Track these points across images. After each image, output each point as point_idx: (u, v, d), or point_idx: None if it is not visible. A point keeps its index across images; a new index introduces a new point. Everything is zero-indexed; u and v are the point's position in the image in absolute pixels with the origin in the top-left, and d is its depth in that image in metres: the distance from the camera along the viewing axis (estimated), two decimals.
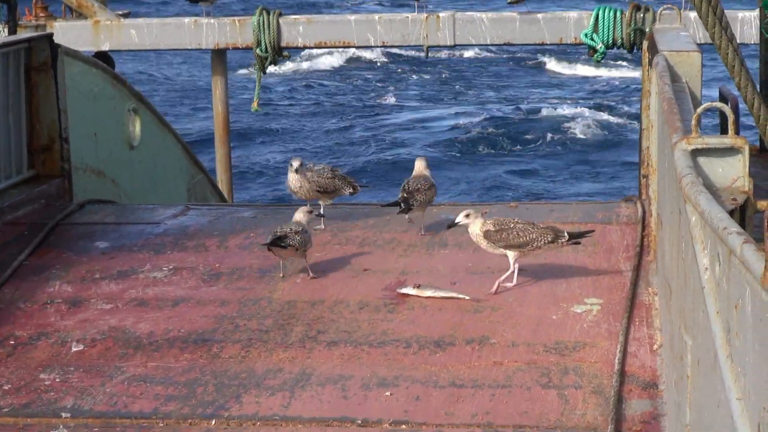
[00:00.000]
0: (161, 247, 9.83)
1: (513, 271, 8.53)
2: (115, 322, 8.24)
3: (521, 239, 8.47)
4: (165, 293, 8.78)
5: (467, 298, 8.36)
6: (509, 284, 8.56)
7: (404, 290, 8.52)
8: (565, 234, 8.58)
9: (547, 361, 7.36)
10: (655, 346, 7.52)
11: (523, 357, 7.44)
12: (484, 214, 8.72)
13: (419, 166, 9.92)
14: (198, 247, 9.81)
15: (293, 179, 9.85)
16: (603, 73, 38.67)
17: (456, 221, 8.60)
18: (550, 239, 8.52)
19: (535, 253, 8.57)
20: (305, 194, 9.88)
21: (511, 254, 8.50)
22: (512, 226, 8.50)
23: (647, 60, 10.07)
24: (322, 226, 9.98)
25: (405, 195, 9.64)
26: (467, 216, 8.55)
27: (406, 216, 9.86)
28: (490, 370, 7.29)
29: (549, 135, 31.28)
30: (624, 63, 38.77)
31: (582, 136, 31.23)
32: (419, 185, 9.68)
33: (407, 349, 7.62)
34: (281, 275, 8.93)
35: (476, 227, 8.54)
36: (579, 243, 8.79)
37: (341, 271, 9.10)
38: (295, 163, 9.84)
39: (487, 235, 8.50)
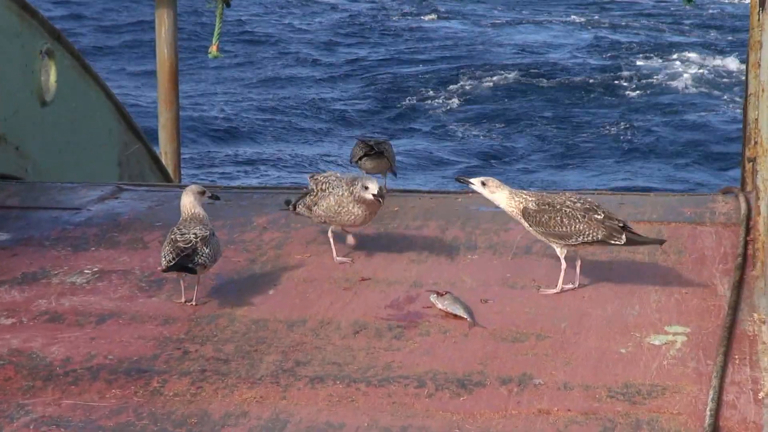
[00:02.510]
0: (83, 241, 9.87)
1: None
2: (18, 344, 8.24)
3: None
4: (87, 305, 8.79)
5: (475, 323, 8.38)
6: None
7: (432, 298, 8.58)
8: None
9: (613, 411, 7.37)
10: (760, 394, 7.53)
11: (579, 404, 7.45)
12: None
13: None
14: (133, 242, 9.85)
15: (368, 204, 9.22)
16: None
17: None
18: None
19: None
20: None
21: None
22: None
23: (756, 0, 10.07)
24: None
25: (371, 144, 10.65)
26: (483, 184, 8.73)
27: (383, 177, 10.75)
28: (534, 420, 7.29)
29: (609, 96, 31.40)
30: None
31: (659, 100, 31.30)
32: (378, 140, 10.85)
33: (420, 389, 7.63)
34: (183, 300, 8.84)
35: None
36: None
37: (330, 281, 9.13)
38: (376, 187, 9.08)
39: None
